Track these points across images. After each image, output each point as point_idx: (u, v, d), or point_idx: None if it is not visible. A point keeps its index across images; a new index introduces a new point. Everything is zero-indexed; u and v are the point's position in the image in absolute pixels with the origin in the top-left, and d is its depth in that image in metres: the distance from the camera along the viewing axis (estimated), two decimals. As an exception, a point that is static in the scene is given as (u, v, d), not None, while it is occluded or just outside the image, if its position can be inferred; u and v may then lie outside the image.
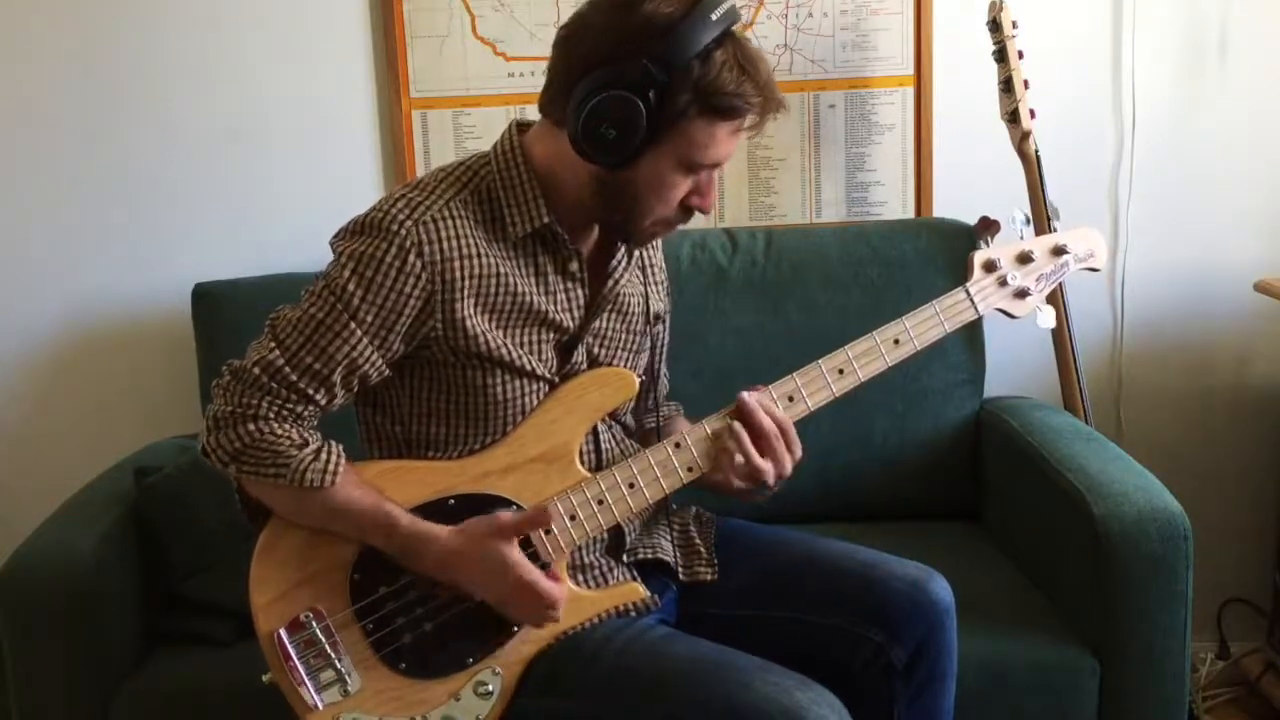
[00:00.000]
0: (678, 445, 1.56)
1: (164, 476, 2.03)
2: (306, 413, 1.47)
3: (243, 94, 2.44)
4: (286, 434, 1.45)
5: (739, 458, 1.53)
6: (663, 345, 1.77)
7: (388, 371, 1.49)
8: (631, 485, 1.55)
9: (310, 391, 1.45)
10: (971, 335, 2.27)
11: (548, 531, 1.52)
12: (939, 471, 2.29)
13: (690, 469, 1.56)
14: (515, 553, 1.46)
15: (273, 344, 1.46)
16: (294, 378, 1.44)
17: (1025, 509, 2.10)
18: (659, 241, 1.72)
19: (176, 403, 2.45)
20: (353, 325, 1.44)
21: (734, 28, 1.42)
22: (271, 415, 1.45)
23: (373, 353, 1.46)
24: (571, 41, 1.45)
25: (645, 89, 1.39)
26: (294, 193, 2.47)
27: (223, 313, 2.29)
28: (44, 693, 1.84)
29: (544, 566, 1.52)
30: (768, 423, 1.53)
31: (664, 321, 1.76)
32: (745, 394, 1.54)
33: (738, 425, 1.53)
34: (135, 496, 2.02)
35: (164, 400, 2.48)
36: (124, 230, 2.47)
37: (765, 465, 1.53)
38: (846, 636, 1.59)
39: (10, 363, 2.51)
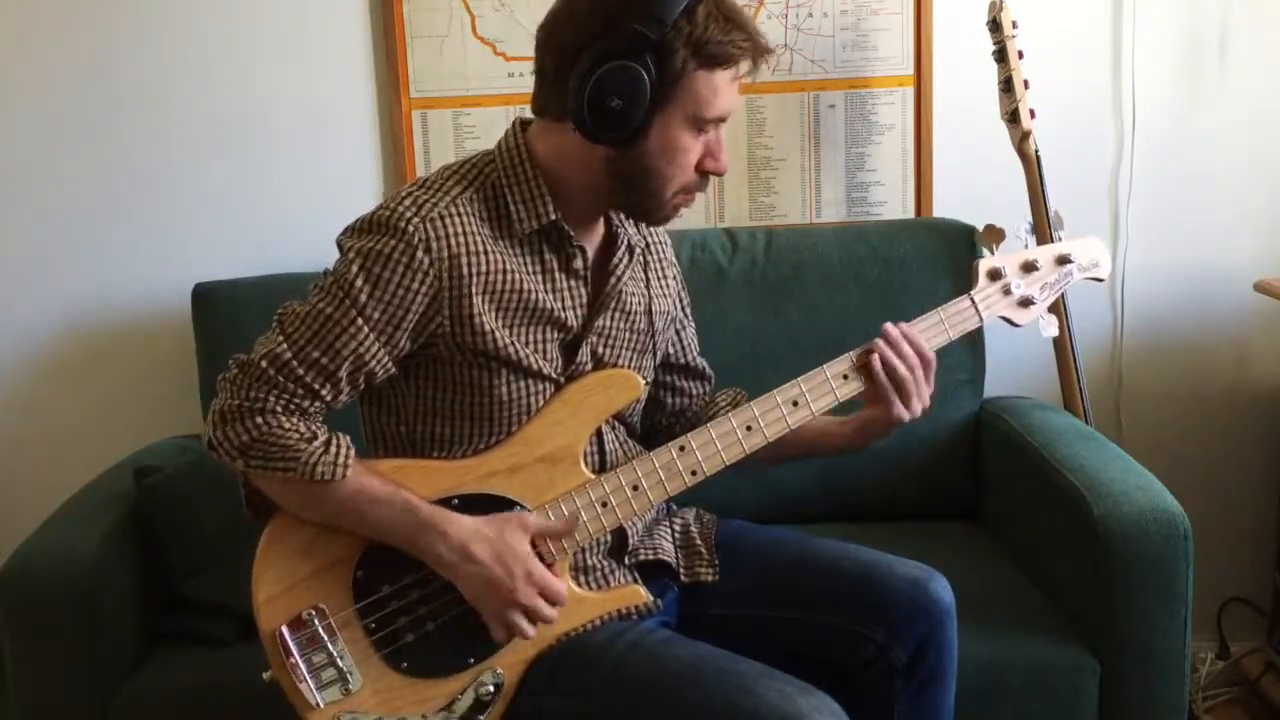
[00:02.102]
0: (682, 448, 1.56)
1: (164, 476, 2.03)
2: (313, 408, 1.47)
3: (242, 94, 2.44)
4: (295, 427, 1.45)
5: (901, 376, 1.56)
6: (690, 340, 1.78)
7: (394, 369, 1.49)
8: (635, 487, 1.55)
9: (316, 387, 1.45)
10: (972, 336, 2.25)
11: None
12: (939, 471, 2.29)
13: (694, 472, 1.56)
14: (528, 545, 1.48)
15: (280, 338, 1.46)
16: (300, 372, 1.44)
17: (1025, 509, 2.10)
18: (666, 239, 1.73)
19: (176, 403, 2.46)
20: (360, 321, 1.44)
21: None
22: (279, 409, 1.45)
23: (379, 349, 1.46)
24: (557, 33, 1.47)
25: (642, 53, 1.41)
26: (294, 193, 2.47)
27: (223, 313, 2.29)
28: (44, 693, 1.84)
29: (546, 568, 1.52)
30: (910, 352, 1.57)
31: (685, 315, 1.77)
32: (889, 325, 1.58)
33: (902, 348, 1.56)
34: (135, 496, 2.02)
35: (164, 400, 2.48)
36: (124, 230, 2.48)
37: (905, 375, 1.56)
38: (847, 636, 1.59)
39: (10, 363, 2.51)
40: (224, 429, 1.45)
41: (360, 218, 1.50)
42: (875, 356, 1.56)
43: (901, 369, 1.56)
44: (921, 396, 1.58)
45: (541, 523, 1.51)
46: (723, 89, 1.46)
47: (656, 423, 1.78)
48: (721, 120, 1.49)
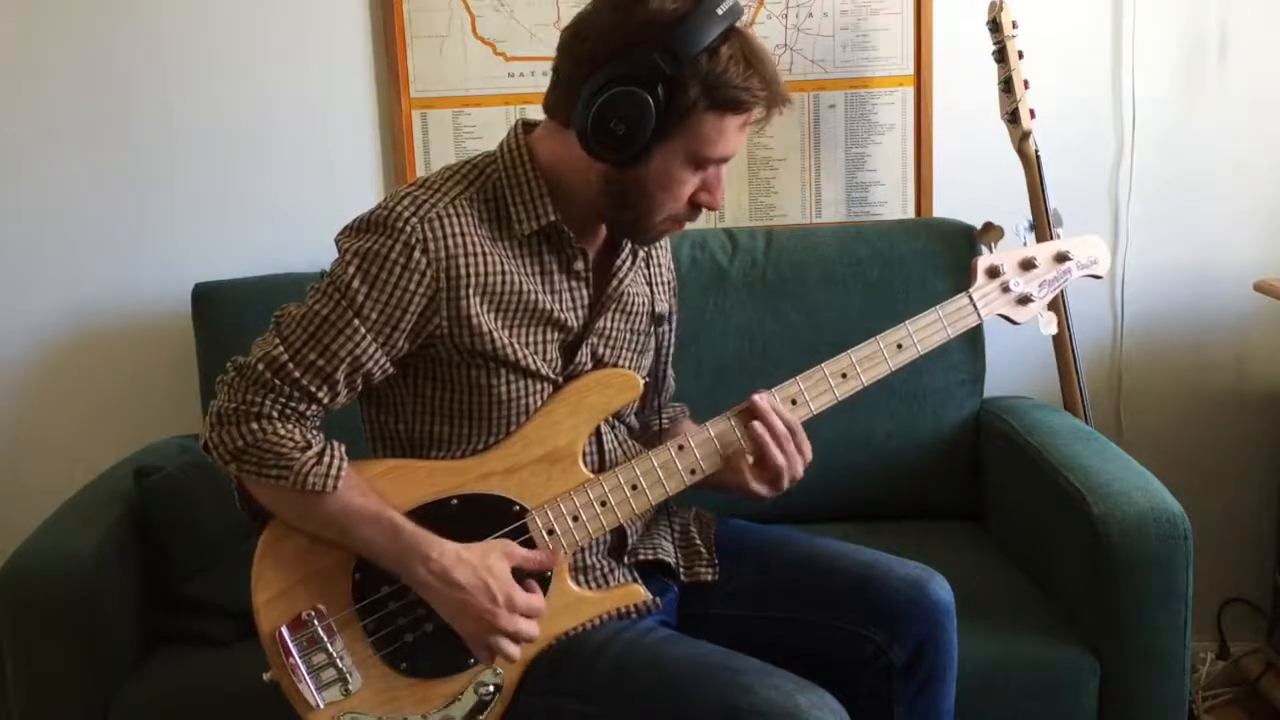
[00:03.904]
0: (681, 447, 1.56)
1: (164, 476, 2.03)
2: (310, 411, 1.47)
3: (242, 94, 2.44)
4: (290, 434, 1.45)
5: (751, 458, 1.55)
6: (669, 347, 1.77)
7: (391, 370, 1.49)
8: (634, 487, 1.55)
9: (313, 389, 1.45)
10: (972, 335, 2.26)
11: (550, 532, 1.53)
12: (939, 471, 2.29)
13: (693, 471, 1.56)
14: (509, 570, 1.48)
15: (277, 340, 1.46)
16: (298, 374, 1.44)
17: (1025, 509, 2.10)
18: (666, 241, 1.73)
19: (176, 403, 2.46)
20: (357, 322, 1.44)
21: (738, 23, 1.43)
22: (275, 414, 1.45)
23: (376, 350, 1.46)
24: (578, 40, 1.46)
25: (654, 84, 1.39)
26: (294, 193, 2.47)
27: (223, 313, 2.29)
28: (44, 693, 1.84)
29: (544, 575, 1.53)
30: (779, 424, 1.54)
31: (670, 323, 1.76)
32: (757, 396, 1.55)
33: (756, 424, 1.54)
34: (135, 496, 2.02)
35: (164, 400, 2.48)
36: (124, 230, 2.48)
37: (781, 464, 1.54)
38: (846, 636, 1.59)
39: (10, 363, 2.51)
40: (220, 432, 1.45)
41: (358, 217, 1.50)
42: (754, 422, 1.54)
43: (772, 449, 1.54)
44: (793, 470, 1.56)
45: (524, 553, 1.51)
46: (729, 132, 1.45)
47: None
48: (723, 161, 1.49)
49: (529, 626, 1.48)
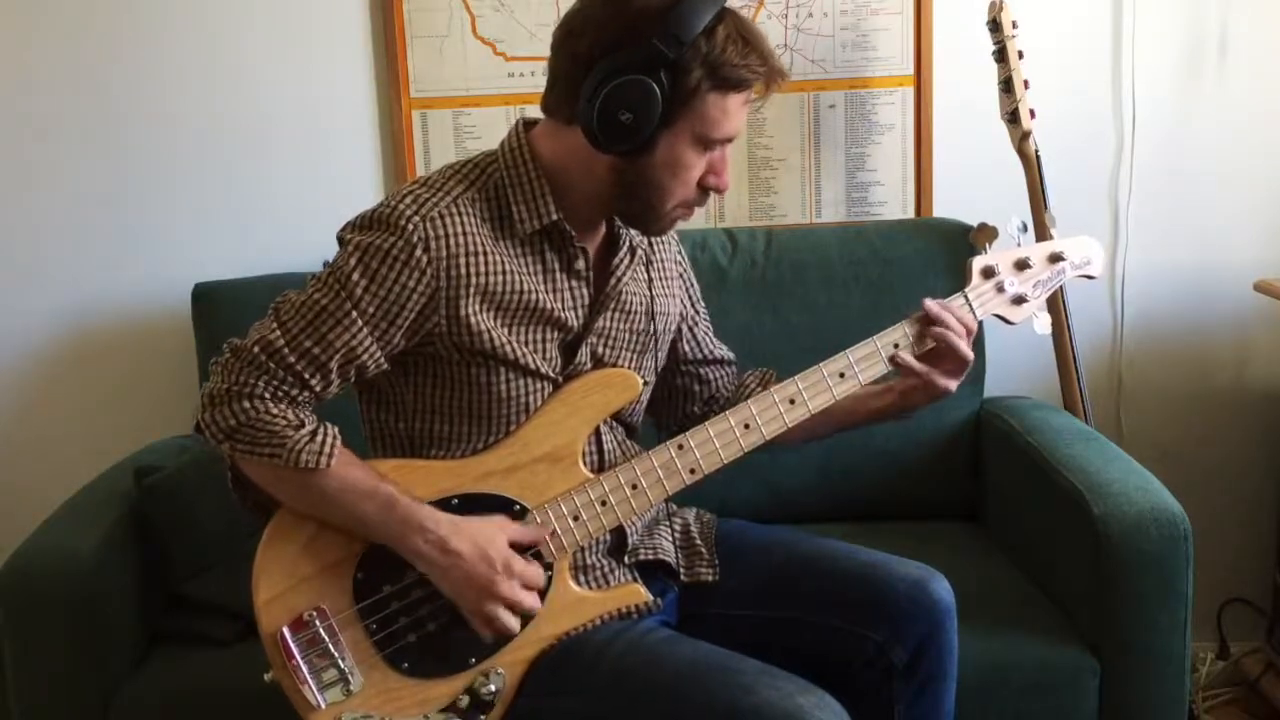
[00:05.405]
0: (681, 447, 1.56)
1: (164, 476, 2.03)
2: (301, 397, 1.47)
3: (243, 94, 2.44)
4: (282, 414, 1.45)
5: (957, 346, 1.58)
6: (705, 334, 1.79)
7: (385, 365, 1.49)
8: (634, 486, 1.55)
9: (306, 376, 1.45)
10: (971, 335, 2.27)
11: (550, 532, 1.53)
12: (939, 471, 2.29)
13: (693, 470, 1.56)
14: (505, 541, 1.49)
15: (274, 325, 1.46)
16: (291, 360, 1.45)
17: (1025, 509, 2.10)
18: (667, 239, 1.73)
19: (176, 403, 2.45)
20: (354, 314, 1.44)
21: (728, 3, 1.44)
22: (267, 395, 1.45)
23: (371, 344, 1.46)
24: (574, 36, 1.46)
25: (657, 70, 1.41)
26: (294, 193, 2.47)
27: (223, 313, 2.29)
28: (44, 693, 1.84)
29: (546, 568, 1.53)
30: (956, 322, 1.59)
31: (696, 311, 1.78)
32: (928, 302, 1.59)
33: (935, 328, 1.58)
34: (135, 496, 2.02)
35: (164, 400, 2.48)
36: (124, 230, 2.48)
37: (969, 357, 1.59)
38: (847, 637, 1.60)
39: (10, 363, 2.51)
40: (213, 411, 1.46)
41: (362, 213, 1.50)
42: (935, 328, 1.58)
43: (954, 339, 1.58)
44: (969, 362, 1.60)
45: (518, 527, 1.51)
46: (733, 111, 1.46)
47: (690, 412, 1.78)
48: (728, 140, 1.50)
49: (529, 597, 1.49)
